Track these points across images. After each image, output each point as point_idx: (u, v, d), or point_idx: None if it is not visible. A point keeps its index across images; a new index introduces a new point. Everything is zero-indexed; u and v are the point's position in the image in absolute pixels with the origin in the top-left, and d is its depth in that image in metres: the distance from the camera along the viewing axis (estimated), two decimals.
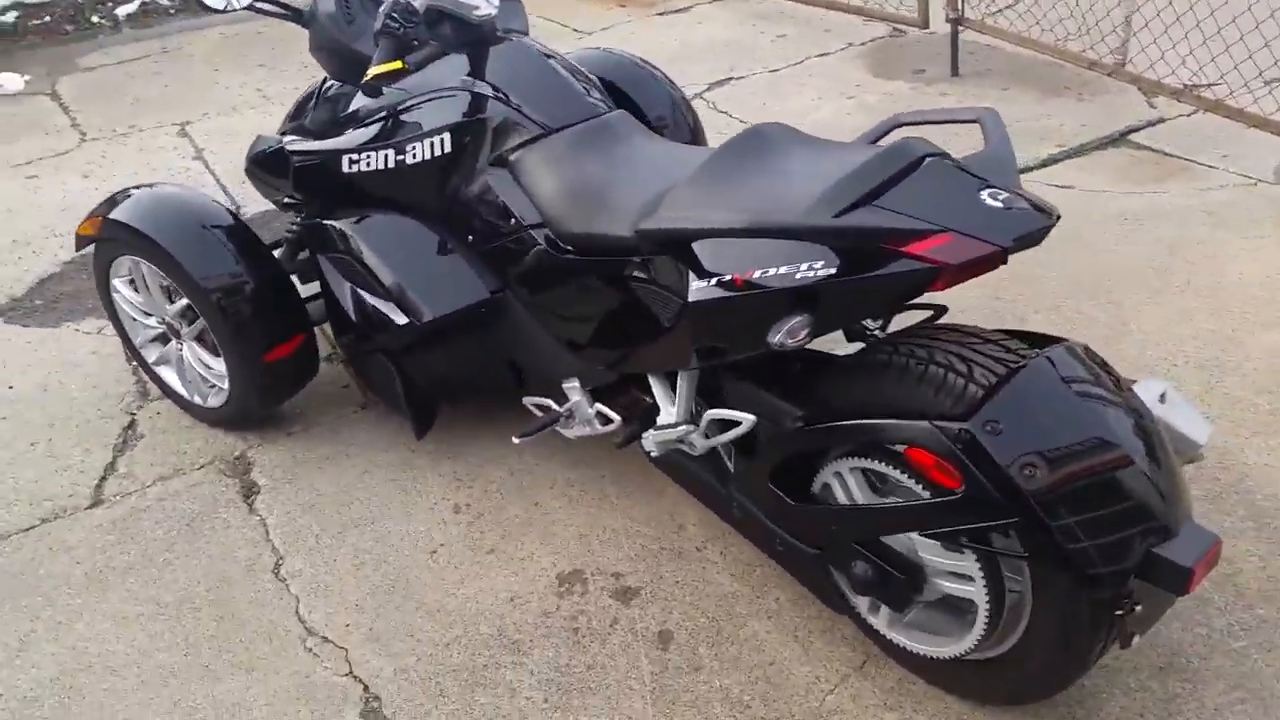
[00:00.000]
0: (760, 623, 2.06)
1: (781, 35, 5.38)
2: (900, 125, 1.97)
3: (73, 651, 2.11)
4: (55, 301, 3.42)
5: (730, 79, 4.84)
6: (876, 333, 2.03)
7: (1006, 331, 1.74)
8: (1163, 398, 1.69)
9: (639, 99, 2.73)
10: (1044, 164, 3.80)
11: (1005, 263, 1.53)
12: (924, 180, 1.58)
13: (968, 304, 2.89)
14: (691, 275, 1.76)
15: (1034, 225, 1.52)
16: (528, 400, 2.32)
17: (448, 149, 2.27)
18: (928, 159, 1.60)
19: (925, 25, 5.12)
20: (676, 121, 2.79)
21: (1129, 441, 1.54)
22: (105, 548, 2.37)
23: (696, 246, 1.74)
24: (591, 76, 2.40)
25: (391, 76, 2.14)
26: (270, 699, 1.98)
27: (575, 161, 2.13)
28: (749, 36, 5.39)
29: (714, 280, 1.71)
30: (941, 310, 2.01)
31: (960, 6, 4.63)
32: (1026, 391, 1.56)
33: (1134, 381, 1.70)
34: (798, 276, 1.61)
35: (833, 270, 1.58)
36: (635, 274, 1.94)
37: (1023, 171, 3.62)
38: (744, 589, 2.14)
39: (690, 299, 1.76)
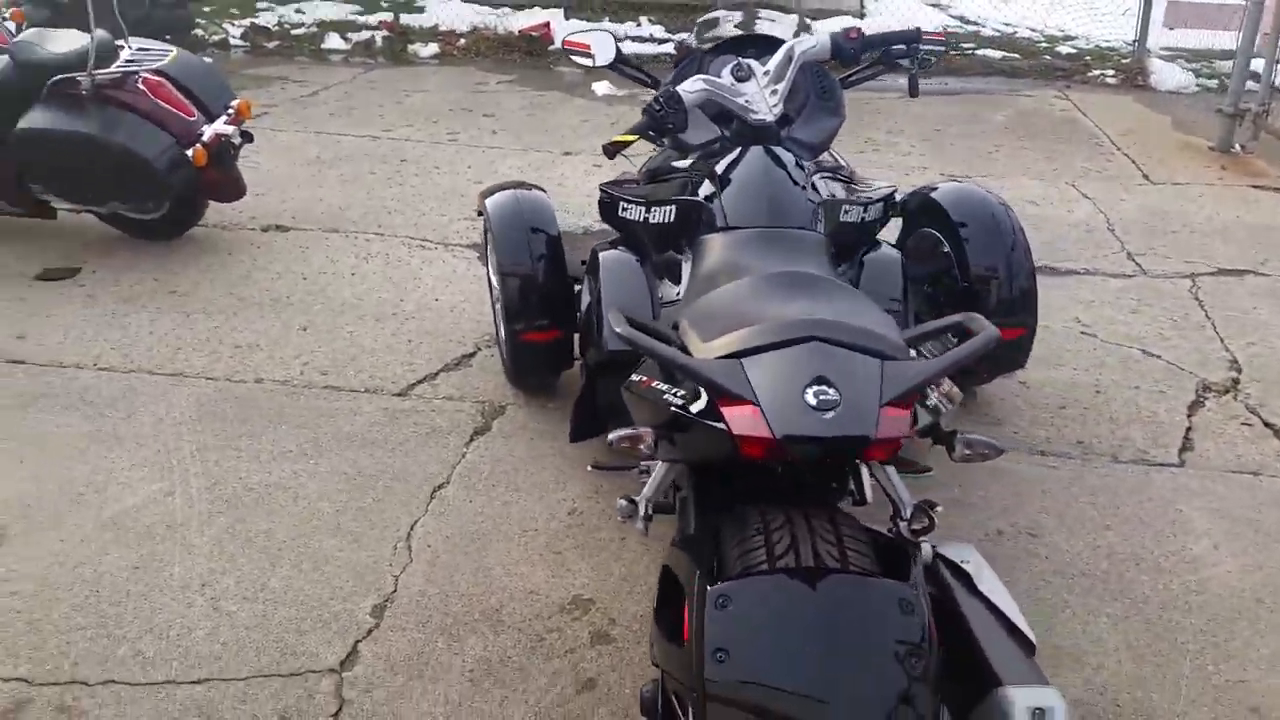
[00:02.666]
0: None
1: None
2: None
3: (272, 470, 2.93)
4: None
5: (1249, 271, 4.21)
6: None
7: None
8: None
9: (969, 238, 2.96)
10: None
11: (787, 457, 1.52)
12: (789, 356, 1.60)
13: None
14: None
15: (819, 432, 1.49)
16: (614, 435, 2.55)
17: (672, 219, 2.61)
18: (814, 341, 1.61)
19: None
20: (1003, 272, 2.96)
21: None
22: (369, 424, 3.17)
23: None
24: (814, 199, 2.52)
25: (623, 145, 2.54)
26: (336, 571, 2.58)
27: (727, 257, 2.33)
28: None
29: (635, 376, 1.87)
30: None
31: None
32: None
33: None
34: (664, 398, 1.73)
35: (691, 407, 1.68)
36: None
37: None
38: None
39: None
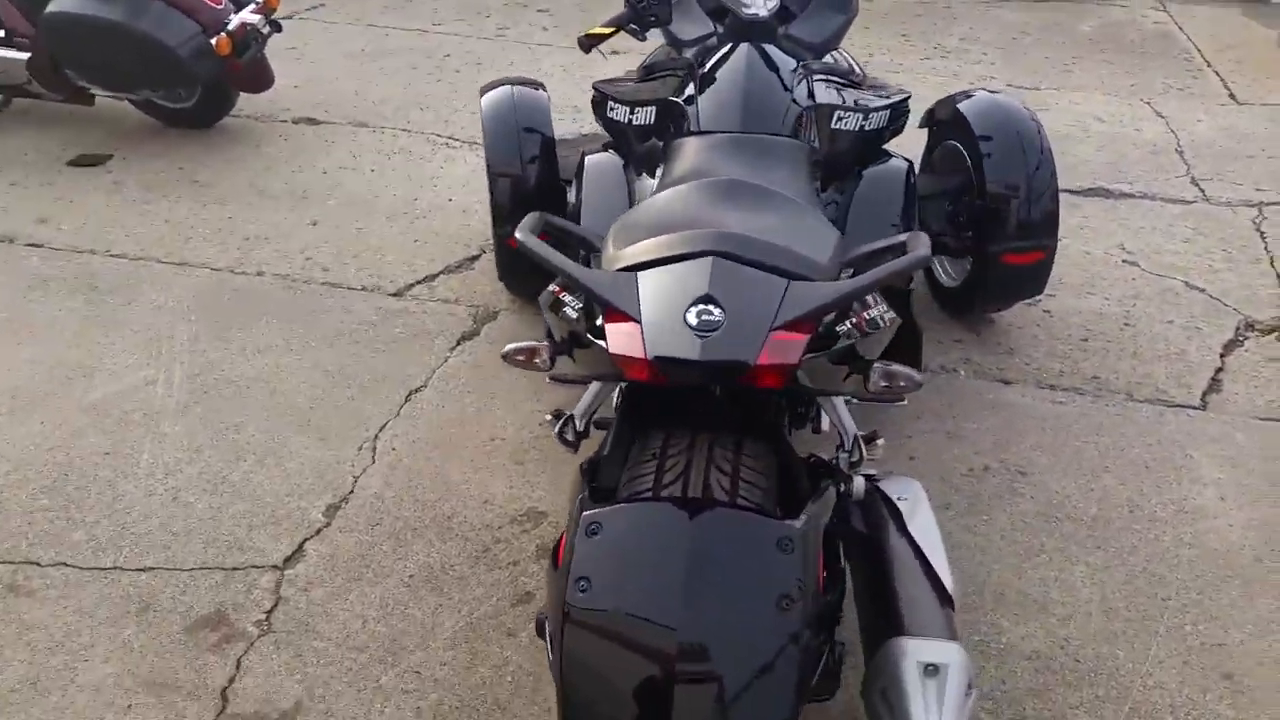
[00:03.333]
0: None
1: None
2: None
3: (255, 363, 2.92)
4: None
5: None
6: None
7: None
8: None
9: (989, 154, 2.78)
10: None
11: (655, 378, 1.41)
12: (682, 271, 1.48)
13: None
14: None
15: (692, 354, 1.38)
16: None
17: (652, 121, 2.46)
18: (712, 256, 1.48)
19: None
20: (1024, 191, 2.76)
21: None
22: (358, 323, 3.13)
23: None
24: (803, 104, 2.34)
25: (599, 39, 2.38)
26: (298, 468, 2.57)
27: (694, 163, 2.18)
28: None
29: None
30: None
31: None
32: None
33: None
34: (563, 311, 1.63)
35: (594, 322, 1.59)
36: None
37: None
38: None
39: None
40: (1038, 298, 3.08)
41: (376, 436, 2.66)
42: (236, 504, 2.43)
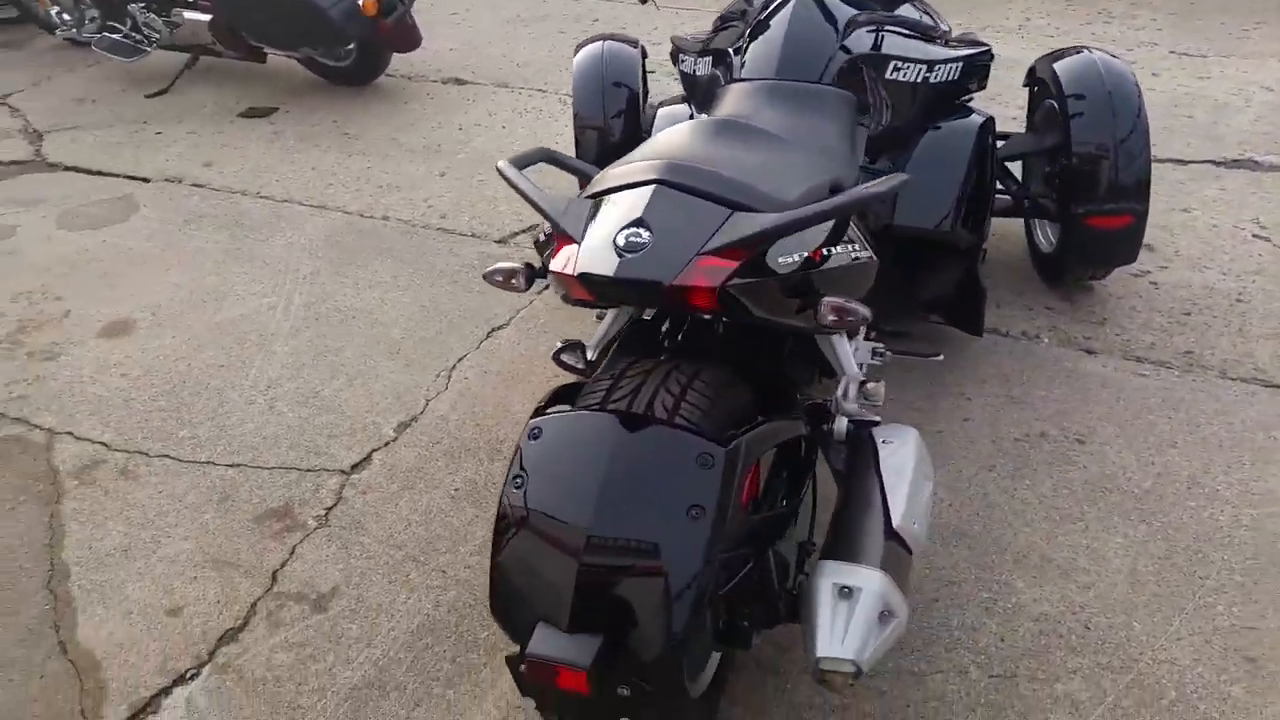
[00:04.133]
0: None
1: None
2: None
3: (364, 296, 3.17)
4: None
5: None
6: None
7: None
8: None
9: (1081, 113, 2.69)
10: None
11: (585, 296, 1.49)
12: (628, 197, 1.56)
13: None
14: None
15: (611, 271, 1.45)
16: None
17: (708, 70, 2.52)
18: (658, 184, 1.55)
19: None
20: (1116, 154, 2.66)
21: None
22: (461, 265, 3.33)
23: None
24: (852, 53, 2.33)
25: None
26: (381, 389, 2.80)
27: (728, 109, 2.23)
28: None
29: None
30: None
31: None
32: None
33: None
34: (537, 234, 1.74)
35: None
36: None
37: None
38: None
39: None
40: (1145, 268, 2.94)
41: (454, 366, 2.85)
42: (322, 416, 2.68)
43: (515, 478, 1.47)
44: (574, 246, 1.55)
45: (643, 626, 1.38)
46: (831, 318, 1.58)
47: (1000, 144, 2.91)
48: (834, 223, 1.68)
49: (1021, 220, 3.20)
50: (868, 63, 2.35)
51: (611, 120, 3.02)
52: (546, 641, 1.37)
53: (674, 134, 1.84)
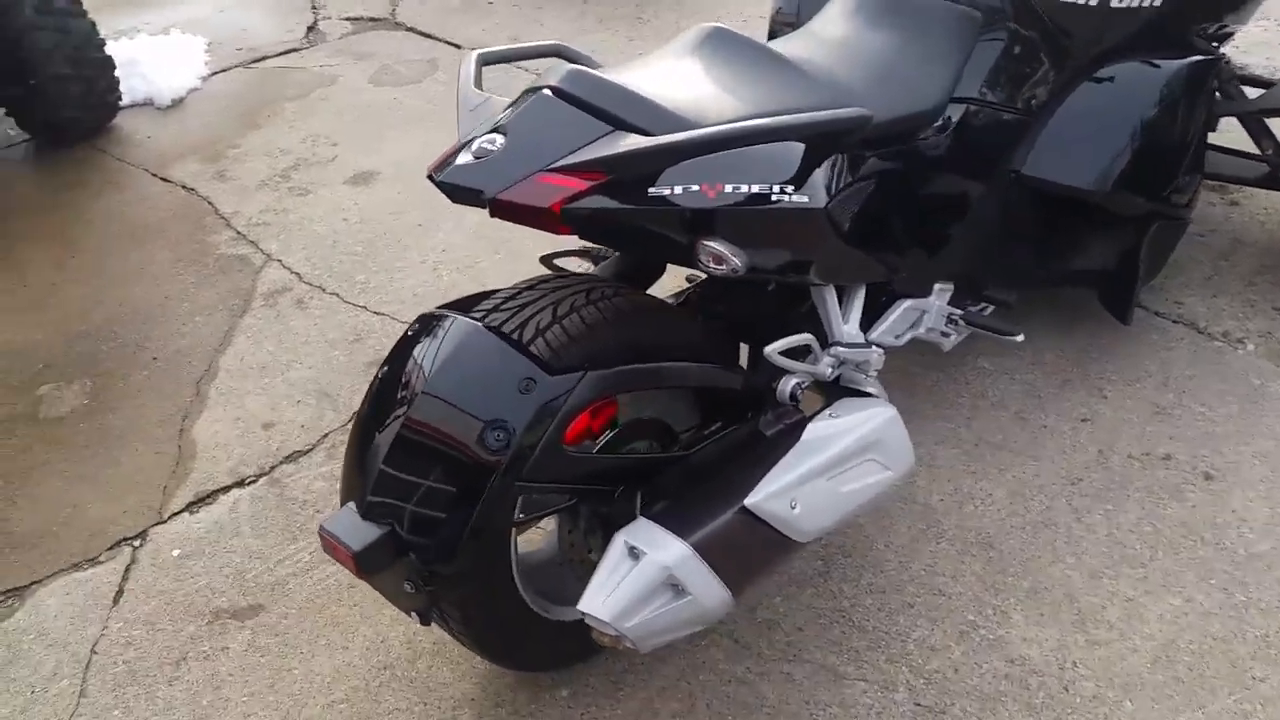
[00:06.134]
0: None
1: None
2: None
3: None
4: None
5: None
6: None
7: None
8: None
9: None
10: None
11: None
12: (517, 101, 1.51)
13: None
14: None
15: (443, 176, 1.42)
16: None
17: None
18: (546, 91, 1.47)
19: None
20: None
21: None
22: None
23: None
24: None
25: None
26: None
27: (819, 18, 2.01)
28: None
29: None
30: None
31: None
32: None
33: None
34: None
35: None
36: None
37: None
38: None
39: None
40: None
41: None
42: (469, 285, 2.89)
43: (383, 367, 1.55)
44: (450, 146, 1.54)
45: (423, 532, 1.42)
46: (707, 261, 1.45)
47: (1250, 94, 2.33)
48: (764, 153, 1.49)
49: None
50: None
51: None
52: (340, 519, 1.46)
53: (668, 45, 1.72)
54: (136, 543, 2.17)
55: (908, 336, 1.99)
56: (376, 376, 1.55)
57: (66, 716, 1.82)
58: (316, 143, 3.76)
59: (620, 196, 1.42)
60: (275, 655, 1.89)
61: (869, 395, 1.76)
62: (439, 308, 1.58)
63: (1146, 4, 2.03)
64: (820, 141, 1.51)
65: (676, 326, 1.66)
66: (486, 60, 1.75)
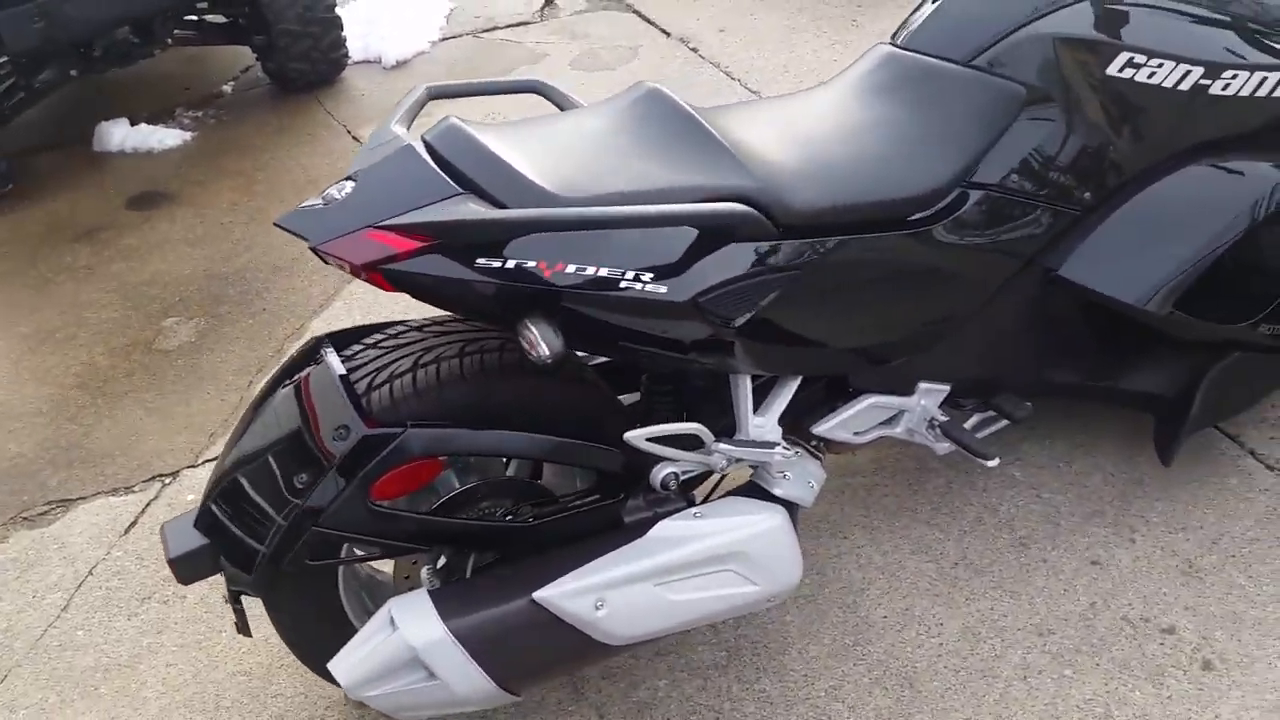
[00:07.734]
0: None
1: None
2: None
3: None
4: None
5: None
6: None
7: None
8: None
9: None
10: None
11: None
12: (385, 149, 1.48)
13: None
14: None
15: (280, 220, 1.41)
16: None
17: None
18: (418, 143, 1.45)
19: None
20: None
21: None
22: None
23: None
24: (1049, 34, 1.66)
25: None
26: None
27: (845, 74, 1.81)
28: None
29: None
30: None
31: None
32: None
33: None
34: None
35: None
36: None
37: None
38: None
39: None
40: None
41: None
42: None
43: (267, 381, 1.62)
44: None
45: (230, 551, 1.49)
46: (522, 343, 1.38)
47: None
48: (626, 237, 1.39)
49: None
50: (1076, 48, 1.67)
51: None
52: (178, 523, 1.56)
53: (607, 103, 1.63)
54: (168, 480, 2.41)
55: (873, 435, 1.79)
56: (261, 387, 1.62)
57: (45, 625, 2.08)
58: (492, 117, 3.91)
59: (446, 264, 1.37)
60: (217, 615, 2.04)
61: (768, 498, 1.60)
62: (332, 334, 1.62)
63: (1260, 93, 1.67)
64: (707, 231, 1.40)
65: (553, 394, 1.57)
66: (437, 95, 1.74)
